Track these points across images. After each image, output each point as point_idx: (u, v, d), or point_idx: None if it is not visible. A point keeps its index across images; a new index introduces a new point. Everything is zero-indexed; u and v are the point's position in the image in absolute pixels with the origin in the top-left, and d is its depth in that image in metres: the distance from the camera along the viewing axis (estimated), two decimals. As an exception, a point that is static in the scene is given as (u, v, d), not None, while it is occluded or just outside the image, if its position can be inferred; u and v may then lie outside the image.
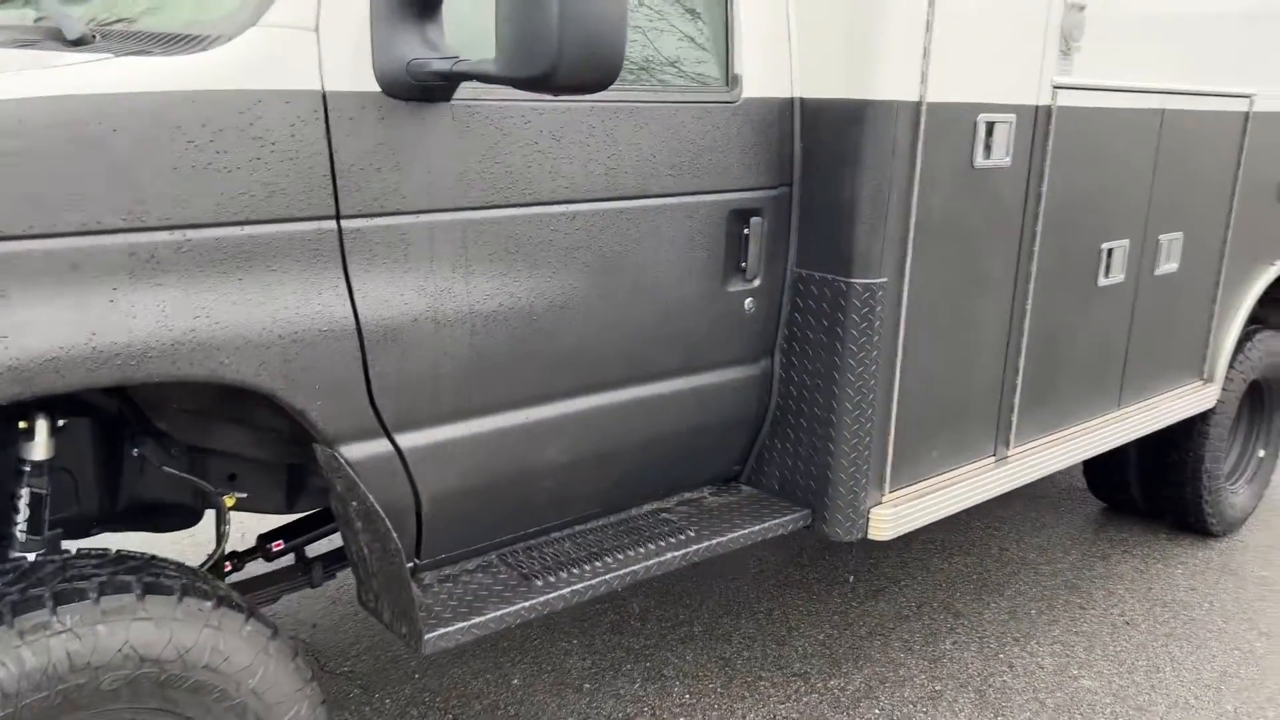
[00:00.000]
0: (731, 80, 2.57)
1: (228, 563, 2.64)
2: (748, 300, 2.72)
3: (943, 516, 3.05)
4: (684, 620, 3.77)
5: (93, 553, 1.99)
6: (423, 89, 1.99)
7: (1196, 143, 3.71)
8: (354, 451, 2.08)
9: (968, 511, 4.86)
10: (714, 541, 2.67)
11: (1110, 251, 3.45)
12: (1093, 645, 3.71)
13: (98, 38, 1.92)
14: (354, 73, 1.95)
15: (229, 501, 2.42)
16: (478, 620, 2.24)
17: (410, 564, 2.33)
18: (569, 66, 1.79)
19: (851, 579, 4.10)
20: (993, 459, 3.24)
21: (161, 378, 1.78)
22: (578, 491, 2.57)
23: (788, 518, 2.81)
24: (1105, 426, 3.68)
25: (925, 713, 3.25)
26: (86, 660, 1.74)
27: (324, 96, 1.91)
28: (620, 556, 2.56)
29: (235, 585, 2.58)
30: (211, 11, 1.93)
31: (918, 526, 2.97)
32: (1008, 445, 3.27)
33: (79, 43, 1.90)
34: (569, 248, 2.31)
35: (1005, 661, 3.57)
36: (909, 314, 2.79)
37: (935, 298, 2.85)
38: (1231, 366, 4.39)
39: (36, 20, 2.18)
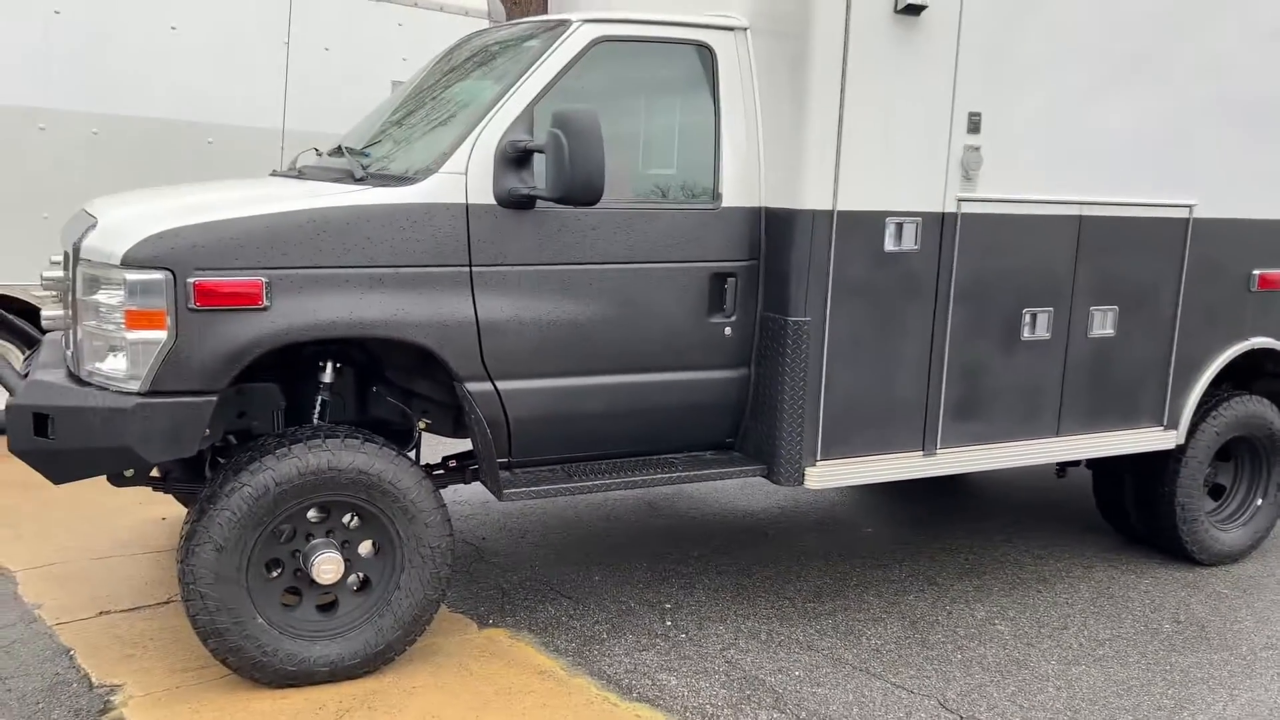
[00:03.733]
0: (716, 196, 4.32)
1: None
2: (726, 328, 4.40)
3: (867, 482, 4.53)
4: (726, 565, 5.37)
5: (345, 426, 4.01)
6: (518, 202, 3.92)
7: (1127, 241, 4.96)
8: (473, 387, 3.98)
9: (994, 525, 6.10)
10: (691, 473, 4.35)
11: (1035, 315, 4.79)
12: (1025, 610, 4.93)
13: (367, 178, 4.01)
14: (483, 194, 3.90)
15: (421, 425, 4.42)
16: (534, 488, 4.06)
17: (505, 460, 4.19)
18: (575, 193, 3.67)
19: (870, 530, 5.51)
20: (921, 453, 4.66)
21: (382, 336, 3.78)
22: (613, 434, 4.33)
23: (749, 468, 4.44)
24: (1041, 446, 4.95)
25: (864, 628, 4.67)
26: (335, 464, 3.74)
27: (466, 207, 3.88)
28: (633, 474, 4.29)
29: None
30: (417, 164, 3.97)
31: (843, 485, 4.50)
32: (935, 445, 4.68)
33: (360, 180, 4.00)
34: (601, 288, 4.13)
35: (946, 610, 4.89)
36: (831, 345, 4.35)
37: (855, 335, 4.39)
38: (1204, 420, 5.44)
39: (347, 165, 4.34)
